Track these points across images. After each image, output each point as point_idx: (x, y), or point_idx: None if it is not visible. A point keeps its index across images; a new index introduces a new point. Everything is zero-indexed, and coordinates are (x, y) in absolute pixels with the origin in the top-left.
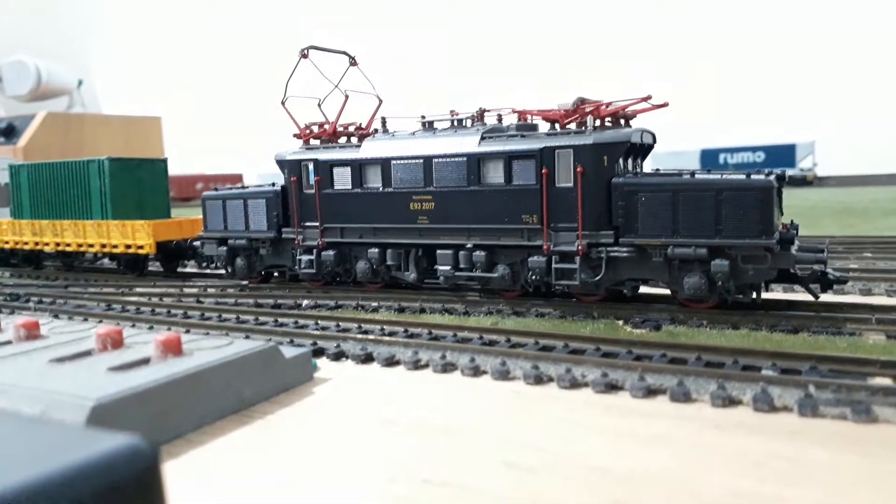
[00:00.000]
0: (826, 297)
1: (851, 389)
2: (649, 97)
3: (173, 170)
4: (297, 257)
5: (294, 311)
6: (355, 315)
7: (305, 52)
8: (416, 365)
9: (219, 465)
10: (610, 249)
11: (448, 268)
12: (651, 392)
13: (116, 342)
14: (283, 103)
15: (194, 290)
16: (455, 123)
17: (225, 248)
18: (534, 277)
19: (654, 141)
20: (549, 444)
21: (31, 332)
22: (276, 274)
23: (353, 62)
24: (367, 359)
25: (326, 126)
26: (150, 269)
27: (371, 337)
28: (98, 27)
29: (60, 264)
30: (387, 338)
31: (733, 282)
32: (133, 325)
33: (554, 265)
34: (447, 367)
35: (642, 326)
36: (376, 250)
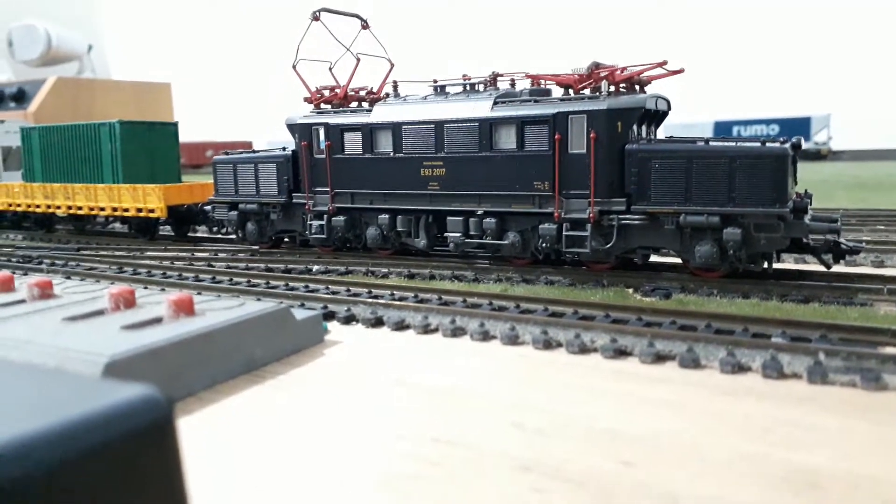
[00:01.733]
0: (838, 268)
1: (861, 357)
2: (665, 62)
3: (183, 136)
4: (308, 222)
5: (305, 276)
6: (365, 280)
7: (317, 14)
8: (426, 329)
9: (231, 422)
10: (622, 217)
11: (458, 234)
12: (660, 358)
13: (129, 302)
14: (294, 67)
15: (205, 255)
16: (467, 88)
17: (236, 213)
18: (544, 245)
19: (669, 108)
20: (558, 407)
21: (45, 292)
22: (286, 239)
23: (364, 25)
24: (378, 322)
25: (338, 90)
26: (161, 233)
27: (381, 301)
28: None
29: (72, 228)
30: (397, 302)
31: (745, 251)
32: (145, 287)
33: (565, 233)
34: (457, 332)
35: (652, 295)
36: (387, 216)
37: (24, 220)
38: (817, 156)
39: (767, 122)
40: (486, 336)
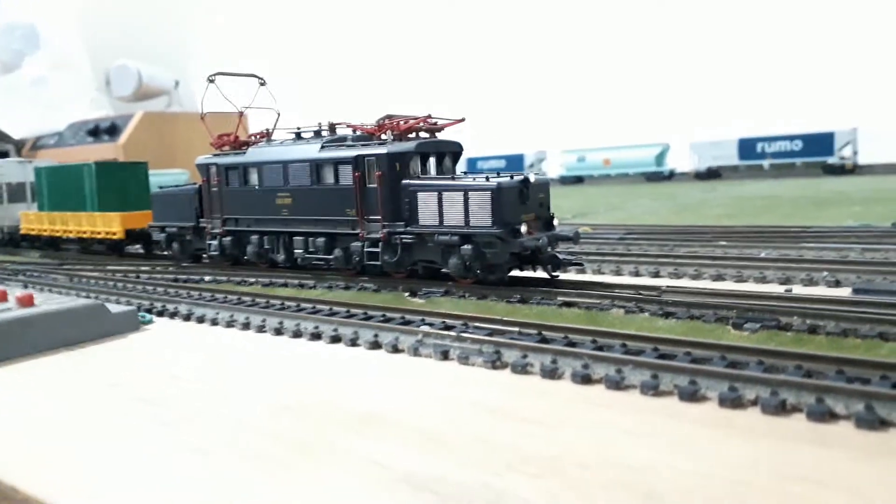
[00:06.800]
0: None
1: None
2: (462, 119)
3: None
4: (207, 242)
5: (163, 281)
6: (232, 288)
7: (212, 78)
8: (229, 324)
9: (24, 376)
10: (402, 236)
11: (301, 251)
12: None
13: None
14: (202, 118)
15: (145, 268)
16: (313, 134)
17: (164, 235)
18: (357, 259)
19: (459, 147)
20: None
21: None
22: (205, 256)
23: (262, 83)
24: (188, 317)
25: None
26: (132, 251)
27: (197, 301)
28: (194, 30)
29: (78, 247)
30: (210, 301)
31: (479, 262)
32: (77, 293)
33: (365, 249)
34: (248, 325)
35: (423, 297)
36: (257, 237)
37: (37, 242)
38: (842, 170)
39: (791, 138)
40: (259, 328)
